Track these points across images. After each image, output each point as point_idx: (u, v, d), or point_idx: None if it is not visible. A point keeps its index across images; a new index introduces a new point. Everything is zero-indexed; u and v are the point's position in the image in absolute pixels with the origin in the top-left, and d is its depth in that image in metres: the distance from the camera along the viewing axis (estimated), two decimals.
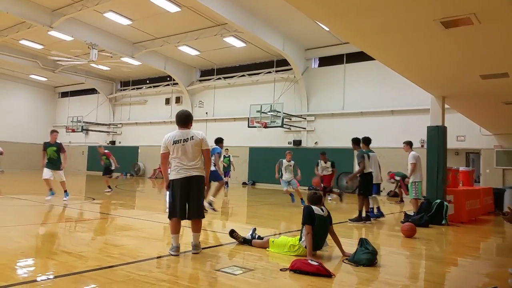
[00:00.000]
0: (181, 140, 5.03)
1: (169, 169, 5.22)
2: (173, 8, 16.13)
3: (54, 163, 10.61)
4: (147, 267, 4.43)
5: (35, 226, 7.26)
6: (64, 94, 34.02)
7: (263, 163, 21.02)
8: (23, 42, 22.06)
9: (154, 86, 28.04)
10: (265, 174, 19.82)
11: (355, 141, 9.27)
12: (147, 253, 5.12)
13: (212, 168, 8.86)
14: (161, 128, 26.34)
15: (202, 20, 17.59)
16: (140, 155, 27.98)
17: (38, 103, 32.96)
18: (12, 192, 13.40)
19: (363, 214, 8.73)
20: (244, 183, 22.49)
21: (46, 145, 10.69)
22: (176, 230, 5.00)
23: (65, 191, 10.79)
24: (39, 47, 22.83)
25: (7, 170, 24.86)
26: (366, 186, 8.75)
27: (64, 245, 5.59)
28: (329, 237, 5.38)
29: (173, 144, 5.02)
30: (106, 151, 14.18)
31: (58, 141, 10.80)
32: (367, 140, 9.20)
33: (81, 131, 28.94)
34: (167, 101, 27.19)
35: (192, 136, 5.06)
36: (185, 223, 5.31)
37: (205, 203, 8.58)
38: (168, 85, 26.92)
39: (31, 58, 25.03)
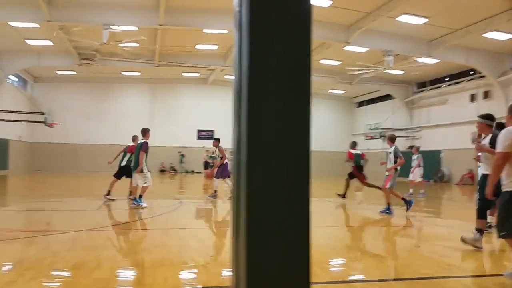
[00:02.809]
0: None
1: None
2: None
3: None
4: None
5: (348, 228, 8.15)
6: (361, 104, 36.84)
7: None
8: (323, 61, 25.35)
9: (455, 83, 26.41)
10: None
11: None
12: (476, 268, 4.87)
13: None
14: (466, 128, 24.39)
15: None
16: (443, 159, 26.80)
17: (337, 115, 37.02)
18: (322, 195, 15.15)
19: None
20: None
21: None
22: None
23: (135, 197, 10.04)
24: (336, 63, 25.69)
25: (314, 176, 28.93)
26: None
27: (385, 249, 6.00)
28: None
29: None
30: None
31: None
32: None
33: (379, 138, 30.45)
34: (472, 98, 25.00)
35: None
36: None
37: None
38: (472, 79, 24.76)
39: (330, 75, 28.46)
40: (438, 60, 22.29)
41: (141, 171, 9.79)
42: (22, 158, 29.29)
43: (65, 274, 4.24)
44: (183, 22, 18.75)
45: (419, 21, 18.15)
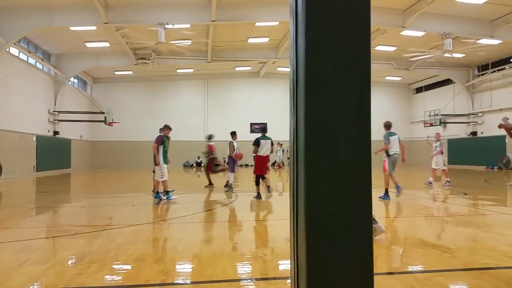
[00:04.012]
0: None
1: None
2: None
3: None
4: None
5: (405, 218, 7.87)
6: (419, 90, 35.39)
7: None
8: (378, 48, 24.55)
9: None
10: None
11: None
12: None
13: None
14: None
15: None
16: (509, 145, 25.23)
17: (394, 102, 35.76)
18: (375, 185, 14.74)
19: None
20: None
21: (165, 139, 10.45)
22: None
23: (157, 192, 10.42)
24: (392, 49, 24.80)
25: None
26: None
27: (447, 239, 5.74)
28: None
29: None
30: None
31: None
32: None
33: (439, 125, 29.17)
34: None
35: None
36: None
37: None
38: None
39: (385, 61, 27.54)
40: (501, 41, 20.96)
41: (157, 164, 10.08)
42: (83, 157, 31.04)
43: (128, 266, 4.45)
44: (234, 17, 18.94)
45: (480, 0, 17.11)
